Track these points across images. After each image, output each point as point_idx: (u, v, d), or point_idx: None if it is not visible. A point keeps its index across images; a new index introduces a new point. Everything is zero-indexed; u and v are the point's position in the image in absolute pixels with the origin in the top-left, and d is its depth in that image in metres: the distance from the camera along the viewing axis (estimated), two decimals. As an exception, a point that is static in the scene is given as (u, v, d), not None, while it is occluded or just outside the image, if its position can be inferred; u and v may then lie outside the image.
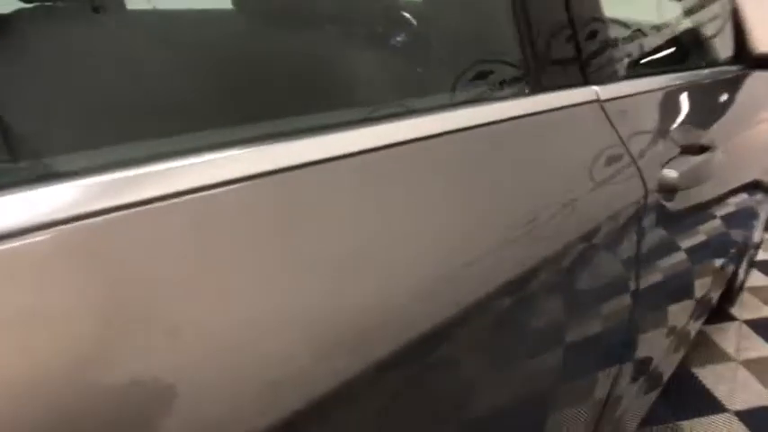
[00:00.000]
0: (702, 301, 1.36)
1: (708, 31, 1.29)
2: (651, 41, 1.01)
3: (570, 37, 0.67)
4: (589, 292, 0.62)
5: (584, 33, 0.69)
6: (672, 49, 1.12)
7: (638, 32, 0.96)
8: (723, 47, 1.31)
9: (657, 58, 1.03)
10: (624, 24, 0.92)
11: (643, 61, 0.95)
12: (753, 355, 1.84)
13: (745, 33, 1.32)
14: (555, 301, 0.54)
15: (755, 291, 2.20)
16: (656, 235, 0.78)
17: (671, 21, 1.15)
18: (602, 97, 0.69)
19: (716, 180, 1.07)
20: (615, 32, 0.88)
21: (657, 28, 1.07)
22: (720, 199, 1.20)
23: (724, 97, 1.21)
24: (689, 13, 1.23)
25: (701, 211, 1.05)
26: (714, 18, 1.27)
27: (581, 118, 0.65)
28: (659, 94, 0.87)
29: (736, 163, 1.26)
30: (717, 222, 1.25)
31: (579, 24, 0.69)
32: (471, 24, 0.61)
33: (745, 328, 1.97)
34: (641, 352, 0.92)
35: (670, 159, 0.79)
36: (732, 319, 2.01)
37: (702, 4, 1.23)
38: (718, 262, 1.42)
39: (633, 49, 0.93)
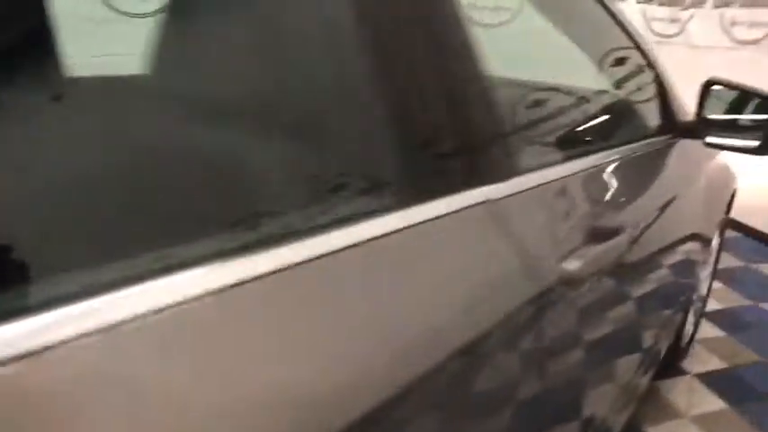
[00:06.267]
0: (648, 356, 1.38)
1: (633, 102, 1.34)
2: (569, 119, 1.04)
3: (455, 132, 0.63)
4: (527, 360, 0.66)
5: (473, 126, 0.65)
6: (594, 126, 1.16)
7: (551, 113, 0.99)
8: (649, 117, 1.36)
9: (576, 139, 1.06)
10: (537, 103, 0.94)
11: (558, 145, 0.98)
12: (704, 410, 1.85)
13: (670, 102, 1.37)
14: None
15: (707, 342, 2.23)
16: (583, 304, 0.79)
17: (591, 94, 1.19)
18: (494, 197, 0.65)
19: (647, 243, 1.11)
20: (522, 115, 0.89)
21: (577, 103, 1.11)
22: (655, 259, 1.25)
23: (653, 169, 1.26)
24: (613, 84, 1.28)
25: (637, 271, 1.09)
26: (638, 88, 1.32)
27: (463, 227, 0.61)
28: (575, 179, 0.88)
29: (669, 225, 1.30)
30: (654, 281, 1.29)
31: (465, 117, 0.64)
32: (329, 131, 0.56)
33: (696, 383, 1.99)
34: (586, 410, 0.92)
35: (575, 250, 0.78)
36: (683, 373, 2.03)
37: (626, 74, 1.28)
38: (661, 317, 1.46)
39: (546, 131, 0.95)
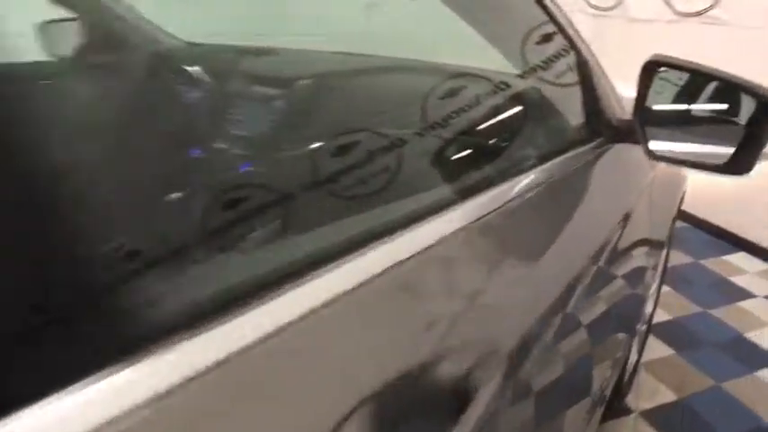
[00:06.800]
0: (596, 401, 1.11)
1: (547, 100, 0.95)
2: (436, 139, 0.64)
3: None
4: None
5: None
6: (482, 146, 0.77)
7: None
8: (571, 119, 0.98)
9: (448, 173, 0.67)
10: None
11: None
12: (651, 462, 1.53)
13: (600, 96, 0.99)
14: None
15: (653, 366, 1.92)
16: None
17: (484, 91, 0.79)
18: None
19: (588, 284, 0.84)
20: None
21: (460, 106, 0.71)
22: (597, 299, 0.93)
23: (577, 192, 0.90)
24: (520, 74, 0.88)
25: (579, 316, 0.84)
26: (557, 79, 0.92)
27: None
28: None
29: (611, 255, 0.97)
30: (600, 321, 0.99)
31: None
32: None
33: (642, 424, 1.66)
34: None
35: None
36: (627, 411, 1.70)
37: (540, 61, 0.88)
38: (608, 356, 1.18)
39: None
